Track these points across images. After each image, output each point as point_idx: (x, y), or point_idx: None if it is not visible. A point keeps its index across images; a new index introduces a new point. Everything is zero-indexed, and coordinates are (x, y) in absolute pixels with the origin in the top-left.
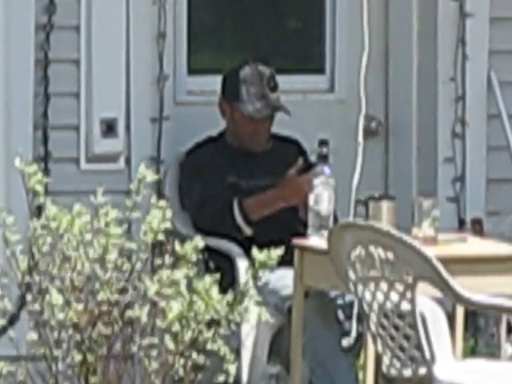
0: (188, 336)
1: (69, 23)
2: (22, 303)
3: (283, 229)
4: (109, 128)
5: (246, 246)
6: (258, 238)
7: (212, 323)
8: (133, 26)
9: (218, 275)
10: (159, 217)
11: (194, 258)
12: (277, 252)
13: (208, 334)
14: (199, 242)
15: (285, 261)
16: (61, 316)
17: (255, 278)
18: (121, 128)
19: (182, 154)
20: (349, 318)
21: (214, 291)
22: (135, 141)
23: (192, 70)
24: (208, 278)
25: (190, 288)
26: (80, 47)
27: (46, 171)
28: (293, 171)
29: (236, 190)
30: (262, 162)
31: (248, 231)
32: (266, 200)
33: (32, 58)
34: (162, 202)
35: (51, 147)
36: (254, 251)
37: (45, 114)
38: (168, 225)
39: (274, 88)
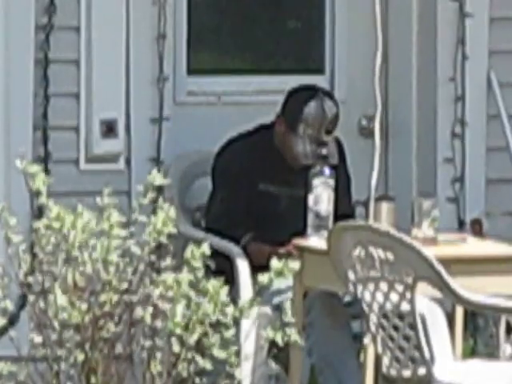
0: (193, 339)
1: (69, 24)
2: (22, 303)
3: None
4: (109, 128)
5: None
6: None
7: (217, 325)
8: (133, 27)
9: (221, 277)
10: (164, 219)
11: (199, 263)
12: (295, 265)
13: (213, 338)
14: (206, 248)
15: None
16: (63, 316)
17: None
18: (121, 128)
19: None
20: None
21: (223, 293)
22: (135, 141)
23: (192, 71)
24: (216, 280)
25: (195, 289)
26: (80, 48)
27: (46, 172)
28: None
29: (265, 197)
30: (302, 174)
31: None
32: (264, 253)
33: (32, 58)
34: (167, 206)
35: (51, 148)
36: (273, 261)
37: (44, 114)
38: (172, 228)
39: (332, 129)
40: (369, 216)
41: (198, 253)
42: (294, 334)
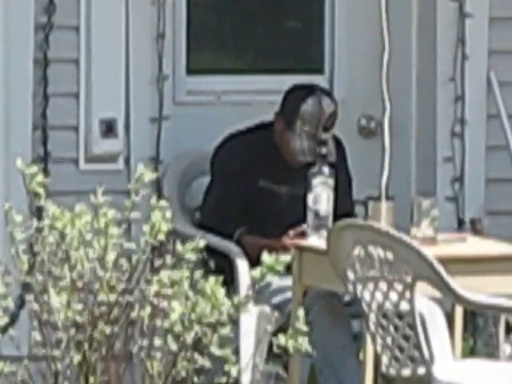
0: (190, 337)
1: (68, 23)
2: (22, 302)
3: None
4: (108, 128)
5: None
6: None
7: (215, 324)
8: (132, 27)
9: (220, 276)
10: (161, 217)
11: (194, 257)
12: (286, 258)
13: (211, 337)
14: (200, 241)
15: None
16: (61, 316)
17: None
18: (120, 128)
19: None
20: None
21: (221, 293)
22: (134, 141)
23: (191, 70)
24: (213, 279)
25: (194, 289)
26: (79, 47)
27: (46, 171)
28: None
29: (265, 194)
30: (302, 172)
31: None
32: (259, 246)
33: (31, 58)
34: (163, 203)
35: (50, 147)
36: (264, 255)
37: (44, 114)
38: (170, 226)
39: (330, 127)
40: (368, 215)
41: (189, 247)
42: (305, 343)
